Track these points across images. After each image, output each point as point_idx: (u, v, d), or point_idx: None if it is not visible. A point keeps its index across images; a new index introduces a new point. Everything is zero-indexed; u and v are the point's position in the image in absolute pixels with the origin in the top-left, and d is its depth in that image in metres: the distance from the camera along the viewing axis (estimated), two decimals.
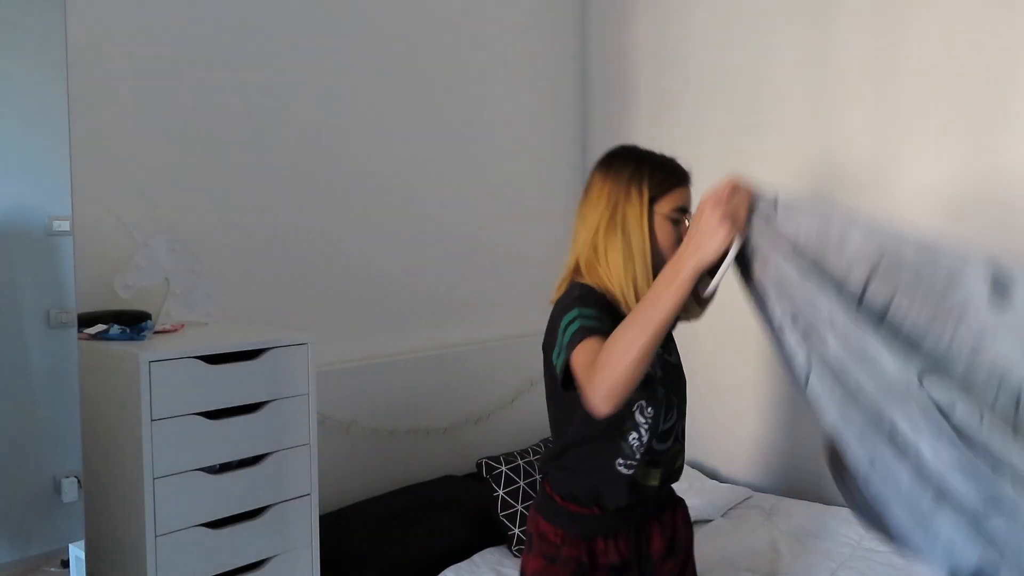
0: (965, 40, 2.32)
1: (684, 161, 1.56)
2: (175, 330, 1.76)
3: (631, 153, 1.55)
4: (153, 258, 1.76)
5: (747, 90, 2.75)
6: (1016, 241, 2.27)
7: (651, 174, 1.49)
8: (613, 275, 1.44)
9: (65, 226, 1.56)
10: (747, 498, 2.56)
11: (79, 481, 1.57)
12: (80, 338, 1.60)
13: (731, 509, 2.47)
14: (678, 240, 1.45)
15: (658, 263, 1.43)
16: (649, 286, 1.33)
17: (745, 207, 1.20)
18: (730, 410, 2.83)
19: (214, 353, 1.59)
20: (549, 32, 3.04)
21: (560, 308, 1.41)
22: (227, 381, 1.60)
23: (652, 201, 1.48)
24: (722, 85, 2.80)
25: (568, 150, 3.15)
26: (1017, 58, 2.25)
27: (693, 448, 2.88)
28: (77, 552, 1.57)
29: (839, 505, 2.52)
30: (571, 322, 1.35)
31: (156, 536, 1.50)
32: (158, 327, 1.74)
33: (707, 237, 1.18)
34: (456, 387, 2.58)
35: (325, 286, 2.31)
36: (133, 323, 1.65)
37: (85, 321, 1.64)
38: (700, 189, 2.86)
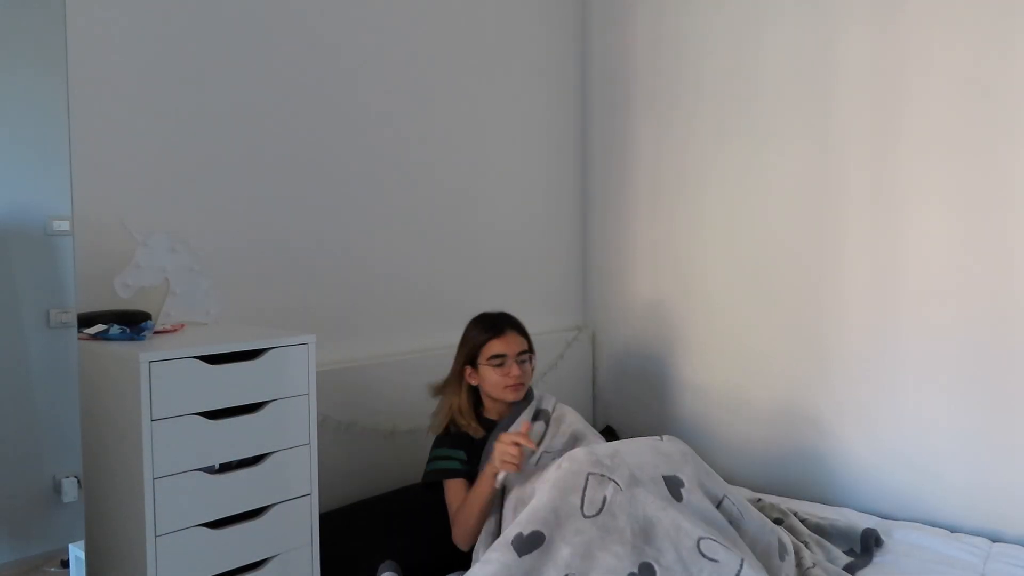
0: (966, 41, 2.33)
1: (512, 313, 2.19)
2: (175, 330, 1.76)
3: (470, 323, 2.19)
4: (153, 258, 1.76)
5: (747, 90, 2.74)
6: (1015, 241, 2.28)
7: (470, 337, 2.15)
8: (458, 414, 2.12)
9: (65, 226, 1.56)
10: (746, 499, 2.56)
11: (79, 481, 1.57)
12: (80, 338, 1.60)
13: None
14: (503, 376, 2.08)
15: (490, 398, 2.13)
16: (471, 417, 2.10)
17: (515, 451, 1.87)
18: (730, 411, 2.83)
19: (214, 353, 1.58)
20: (549, 32, 3.04)
21: (433, 443, 2.14)
22: (227, 381, 1.60)
23: (475, 355, 2.11)
24: (722, 85, 2.80)
25: (568, 150, 3.15)
26: (1019, 62, 2.25)
27: (693, 448, 2.88)
28: (77, 552, 1.57)
29: (840, 505, 2.53)
30: (432, 459, 2.11)
31: (156, 536, 1.50)
32: (158, 327, 1.74)
33: (494, 463, 1.90)
34: None
35: (325, 286, 2.31)
36: (133, 323, 1.65)
37: (85, 321, 1.64)
38: (702, 188, 2.88)
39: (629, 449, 1.93)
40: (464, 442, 2.09)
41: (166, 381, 1.50)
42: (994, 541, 2.24)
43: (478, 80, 2.76)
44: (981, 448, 2.35)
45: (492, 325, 2.15)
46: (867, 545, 2.14)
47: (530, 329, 2.20)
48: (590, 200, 3.20)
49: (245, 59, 2.11)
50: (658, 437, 2.03)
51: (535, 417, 2.10)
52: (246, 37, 2.11)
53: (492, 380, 2.10)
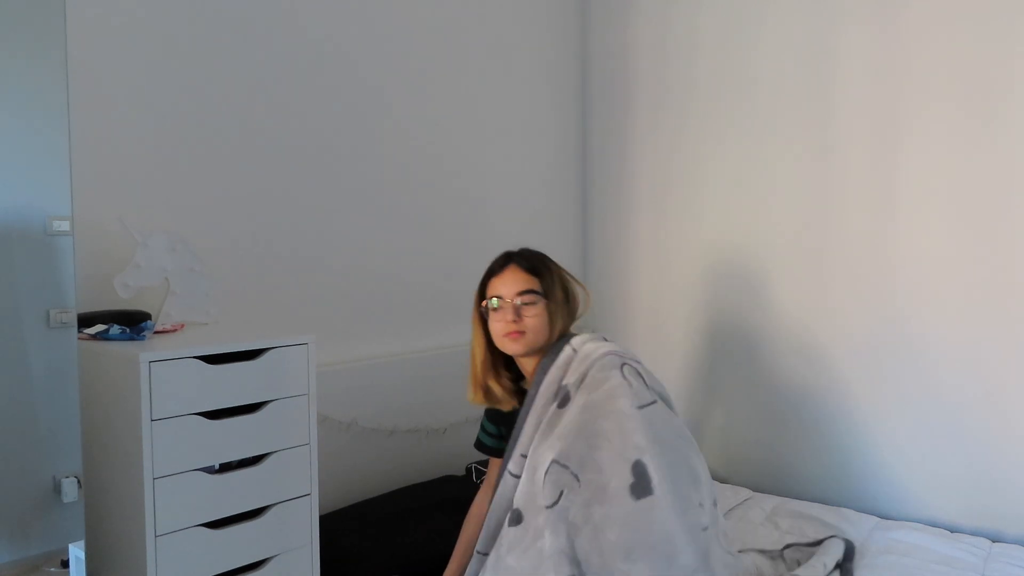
0: (967, 38, 2.33)
1: (512, 248, 1.85)
2: (175, 330, 1.76)
3: None
4: (153, 258, 1.76)
5: (748, 88, 2.75)
6: (1016, 240, 2.28)
7: (483, 280, 1.82)
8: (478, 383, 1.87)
9: (65, 226, 1.56)
10: (747, 499, 2.56)
11: (79, 481, 1.57)
12: (80, 338, 1.60)
13: (731, 509, 2.47)
14: (500, 323, 1.73)
15: (497, 350, 1.79)
16: (495, 376, 1.82)
17: None
18: (728, 409, 2.83)
19: (214, 353, 1.58)
20: (549, 31, 3.04)
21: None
22: (227, 381, 1.60)
23: (481, 301, 1.80)
24: (722, 84, 2.80)
25: (568, 150, 3.15)
26: (1020, 59, 2.25)
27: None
28: (77, 552, 1.57)
29: (840, 505, 2.53)
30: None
31: (156, 536, 1.50)
32: (158, 327, 1.74)
33: None
34: (456, 387, 2.57)
35: (325, 286, 2.31)
36: (133, 323, 1.65)
37: (85, 321, 1.64)
38: (703, 187, 2.88)
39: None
40: (499, 412, 1.90)
41: (166, 381, 1.50)
42: (994, 541, 2.24)
43: (478, 80, 2.76)
44: (981, 448, 2.35)
45: (498, 261, 1.79)
46: (850, 553, 2.10)
47: None
48: (590, 200, 3.20)
49: (245, 59, 2.11)
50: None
51: (561, 402, 1.67)
52: (246, 37, 2.11)
53: (493, 329, 1.75)
